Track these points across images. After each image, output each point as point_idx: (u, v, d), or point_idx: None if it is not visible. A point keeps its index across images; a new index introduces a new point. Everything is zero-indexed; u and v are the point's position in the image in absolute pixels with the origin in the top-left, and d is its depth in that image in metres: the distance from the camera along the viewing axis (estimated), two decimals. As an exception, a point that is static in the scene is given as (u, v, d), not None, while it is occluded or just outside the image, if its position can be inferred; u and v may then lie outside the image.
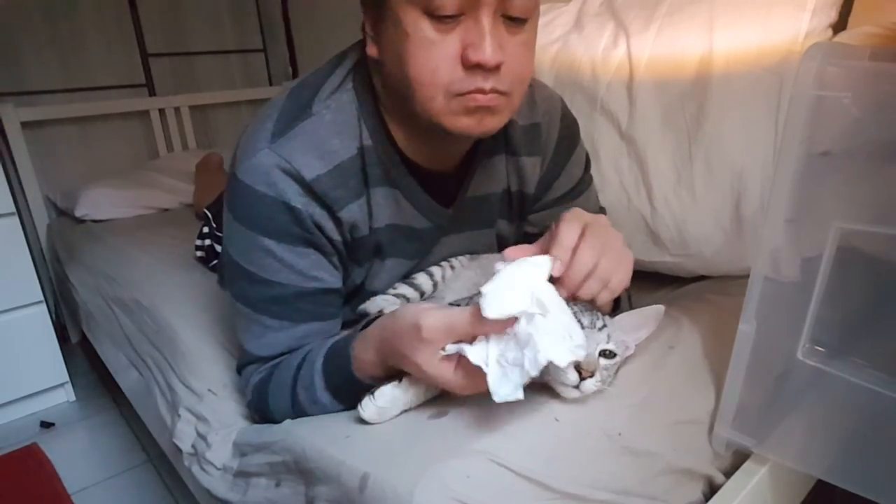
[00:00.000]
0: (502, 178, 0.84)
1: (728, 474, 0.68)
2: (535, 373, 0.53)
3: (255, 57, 2.50)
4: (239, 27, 2.43)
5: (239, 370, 0.81)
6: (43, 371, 1.66)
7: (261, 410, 0.76)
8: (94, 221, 1.85)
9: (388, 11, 0.62)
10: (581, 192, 0.90)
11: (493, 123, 0.66)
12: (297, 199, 0.68)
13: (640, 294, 0.95)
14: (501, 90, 0.62)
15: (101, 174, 2.01)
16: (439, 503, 0.52)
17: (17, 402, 1.65)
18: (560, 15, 1.16)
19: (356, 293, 0.83)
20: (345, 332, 0.73)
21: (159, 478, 1.39)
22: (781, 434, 0.65)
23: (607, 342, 0.63)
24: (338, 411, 0.69)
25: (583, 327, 0.62)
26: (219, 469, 0.78)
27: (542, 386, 0.63)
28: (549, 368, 0.54)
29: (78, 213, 1.85)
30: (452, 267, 0.86)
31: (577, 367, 0.60)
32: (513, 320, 0.54)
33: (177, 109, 2.24)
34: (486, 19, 0.59)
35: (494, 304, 0.53)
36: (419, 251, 0.83)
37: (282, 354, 0.75)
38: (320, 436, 0.65)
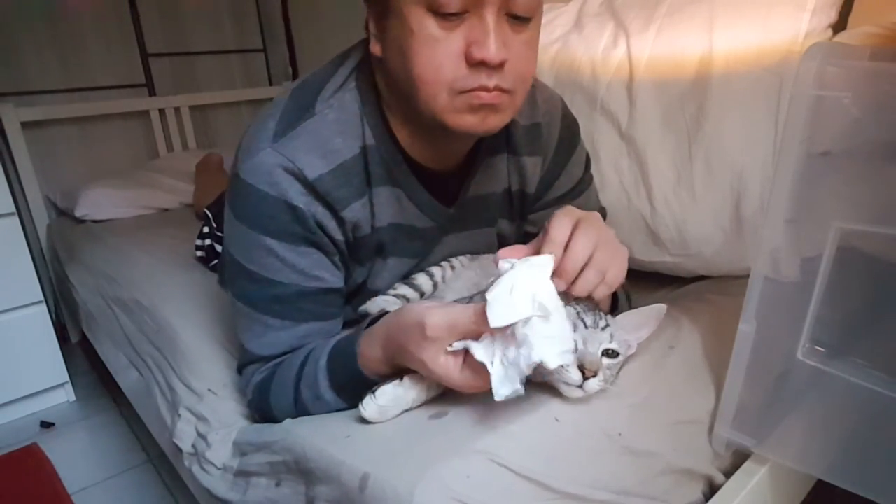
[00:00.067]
0: (503, 178, 0.84)
1: (728, 474, 0.68)
2: (528, 372, 0.54)
3: (255, 57, 2.50)
4: (239, 27, 2.43)
5: (239, 370, 0.81)
6: (43, 371, 1.66)
7: (262, 410, 0.76)
8: (94, 221, 1.85)
9: (393, 9, 0.62)
10: (581, 191, 0.91)
11: (496, 121, 0.66)
12: (300, 198, 0.68)
13: (640, 294, 0.95)
14: (505, 88, 0.63)
15: (101, 174, 2.01)
16: (439, 503, 0.52)
17: (17, 402, 1.65)
18: (560, 15, 1.16)
19: (358, 292, 0.83)
20: (347, 331, 0.73)
21: (159, 478, 1.39)
22: (781, 434, 0.65)
23: (610, 341, 0.63)
24: (340, 410, 0.70)
25: (586, 327, 0.62)
26: (219, 469, 0.78)
27: (542, 385, 0.63)
28: (549, 369, 0.54)
29: (78, 213, 1.85)
30: (453, 267, 0.87)
31: (581, 366, 0.60)
32: None
33: (177, 109, 2.24)
34: (490, 17, 0.59)
35: (499, 312, 0.53)
36: (421, 250, 0.83)
37: (283, 354, 0.75)
38: (320, 435, 0.65)
